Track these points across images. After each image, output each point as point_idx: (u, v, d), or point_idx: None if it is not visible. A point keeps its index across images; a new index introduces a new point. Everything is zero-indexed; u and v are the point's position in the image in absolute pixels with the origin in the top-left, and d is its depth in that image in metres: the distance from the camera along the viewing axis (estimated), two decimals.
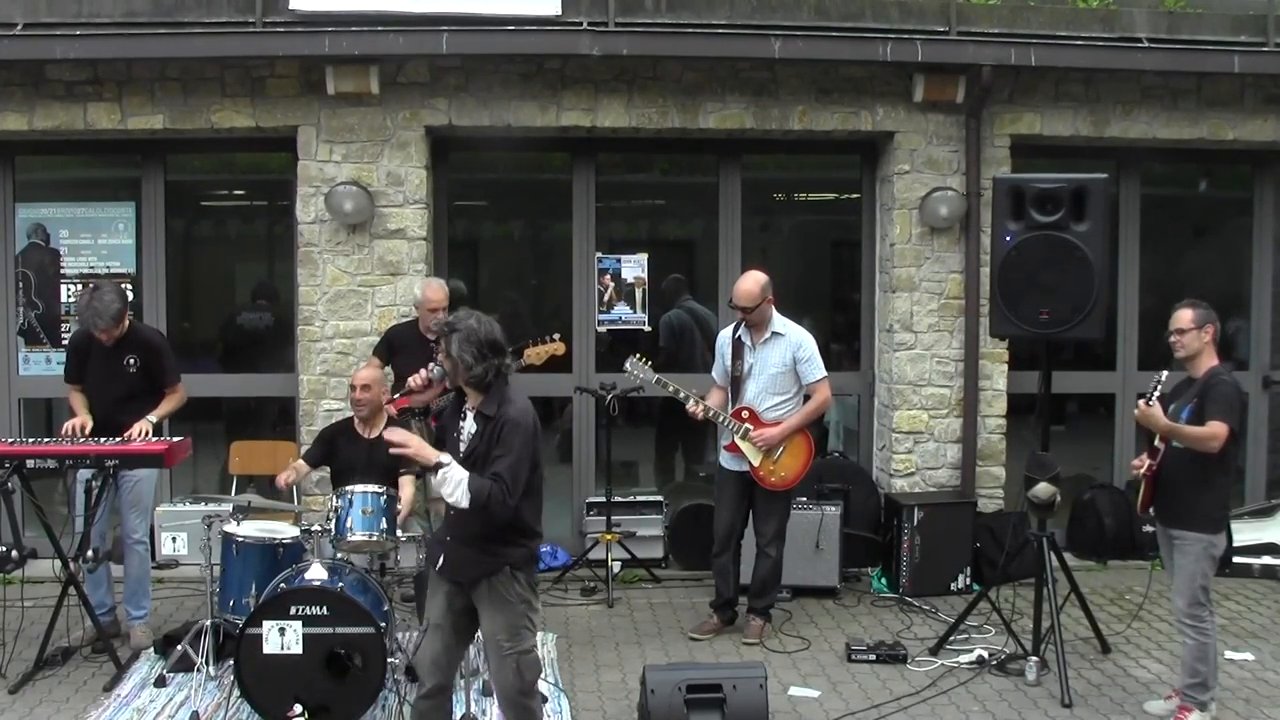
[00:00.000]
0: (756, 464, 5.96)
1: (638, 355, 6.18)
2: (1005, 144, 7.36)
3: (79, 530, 5.51)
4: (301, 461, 5.95)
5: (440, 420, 4.14)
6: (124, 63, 6.87)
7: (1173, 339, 4.97)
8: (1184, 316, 4.93)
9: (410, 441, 3.98)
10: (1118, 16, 7.38)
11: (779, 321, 6.02)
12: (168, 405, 5.84)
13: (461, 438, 4.14)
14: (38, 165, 7.55)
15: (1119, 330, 7.79)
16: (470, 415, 4.13)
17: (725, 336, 6.18)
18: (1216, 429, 4.73)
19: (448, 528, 4.18)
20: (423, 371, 4.07)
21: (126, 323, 5.77)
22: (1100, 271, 5.45)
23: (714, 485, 6.37)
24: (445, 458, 3.99)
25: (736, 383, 6.06)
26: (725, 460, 6.12)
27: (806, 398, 6.06)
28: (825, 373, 6.06)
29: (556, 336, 6.39)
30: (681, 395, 6.05)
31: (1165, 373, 4.93)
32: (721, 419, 6.01)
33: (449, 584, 4.18)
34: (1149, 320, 7.73)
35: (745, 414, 6.00)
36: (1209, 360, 4.92)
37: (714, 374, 6.25)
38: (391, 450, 4.01)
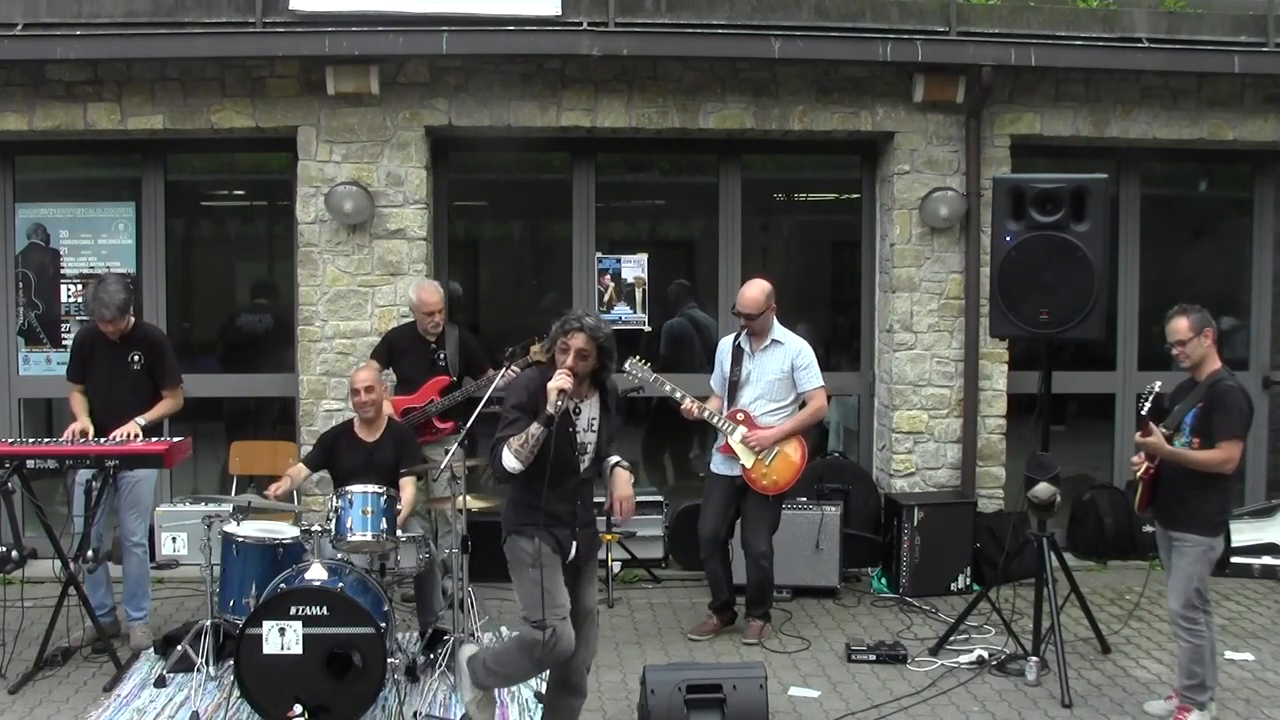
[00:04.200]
0: (749, 466, 5.96)
1: (637, 356, 6.20)
2: (1005, 144, 7.36)
3: (79, 531, 5.51)
4: (299, 467, 5.93)
5: (545, 423, 4.12)
6: (124, 63, 6.87)
7: (1175, 351, 4.91)
8: (1180, 327, 4.86)
9: (630, 495, 4.41)
10: (1118, 16, 7.38)
11: (778, 330, 6.05)
12: (163, 408, 5.82)
13: (579, 428, 4.27)
14: (38, 165, 7.55)
15: (1119, 330, 7.79)
16: (588, 404, 4.32)
17: (725, 344, 6.19)
18: (1230, 451, 4.71)
19: (573, 519, 4.29)
20: (559, 378, 4.11)
21: (131, 317, 5.77)
22: (1100, 271, 5.45)
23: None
24: (622, 461, 4.45)
25: (733, 387, 6.07)
26: (716, 462, 6.13)
27: (802, 407, 6.07)
28: (822, 382, 6.05)
29: None
30: (678, 395, 6.07)
31: (1159, 382, 4.90)
32: (716, 419, 6.02)
33: (563, 573, 4.30)
34: (1149, 320, 7.74)
35: (740, 416, 6.00)
36: (1212, 364, 4.89)
37: (712, 383, 6.25)
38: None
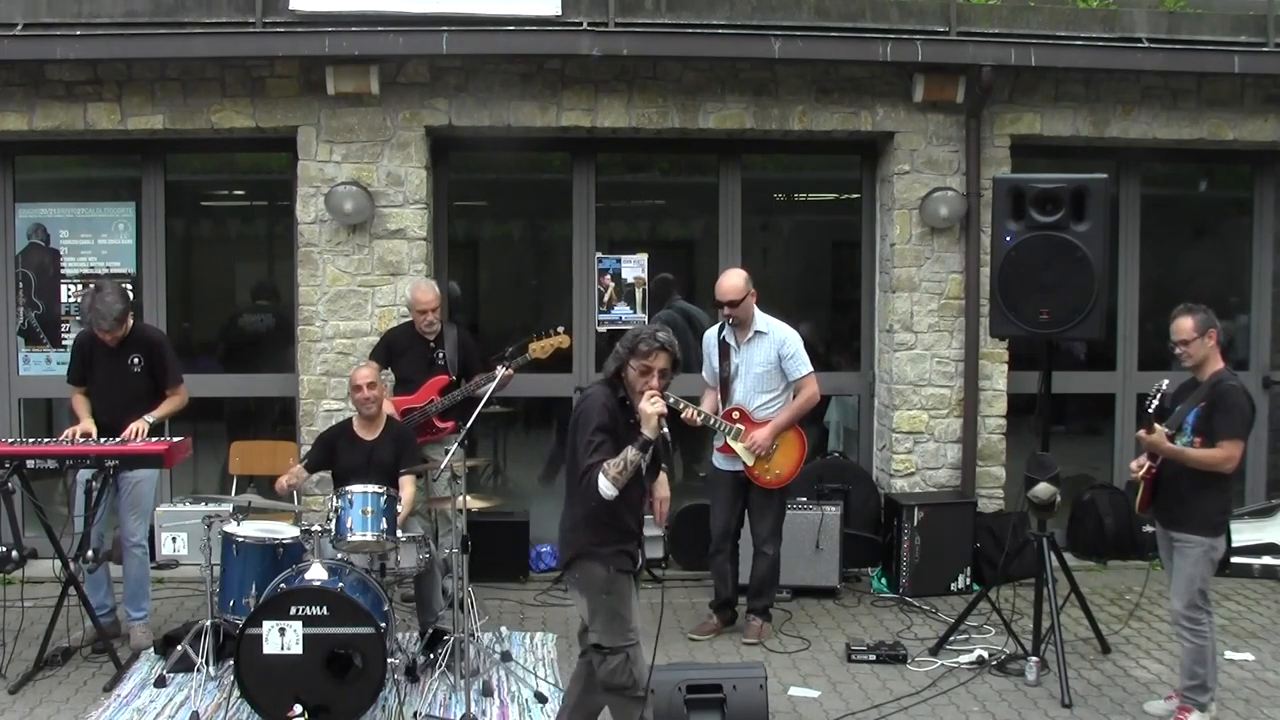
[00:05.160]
0: (751, 464, 5.97)
1: None
2: (1005, 144, 7.36)
3: (79, 531, 5.51)
4: (300, 468, 5.92)
5: (613, 433, 4.11)
6: (124, 63, 6.87)
7: (1178, 350, 4.91)
8: (1185, 326, 4.86)
9: (668, 496, 4.53)
10: (1118, 16, 7.38)
11: (761, 320, 6.04)
12: (168, 406, 5.83)
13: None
14: (38, 165, 7.55)
15: (1119, 330, 7.78)
16: None
17: (711, 337, 6.19)
18: (1231, 451, 4.71)
19: (639, 529, 4.26)
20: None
21: (130, 323, 5.78)
22: (1100, 271, 5.45)
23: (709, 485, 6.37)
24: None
25: (725, 384, 6.08)
26: (718, 460, 6.13)
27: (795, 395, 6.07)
28: (811, 368, 6.05)
29: (561, 329, 6.41)
30: (672, 400, 6.05)
31: (1165, 380, 4.90)
32: (713, 422, 6.01)
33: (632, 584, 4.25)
34: (1149, 320, 7.74)
35: (736, 414, 6.00)
36: (1214, 364, 4.89)
37: (704, 375, 6.25)
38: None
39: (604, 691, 4.19)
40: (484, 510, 5.56)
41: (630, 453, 3.98)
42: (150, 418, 5.68)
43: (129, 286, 7.08)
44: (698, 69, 7.16)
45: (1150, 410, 4.75)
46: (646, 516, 4.39)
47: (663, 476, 4.48)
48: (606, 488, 3.97)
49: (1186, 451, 4.79)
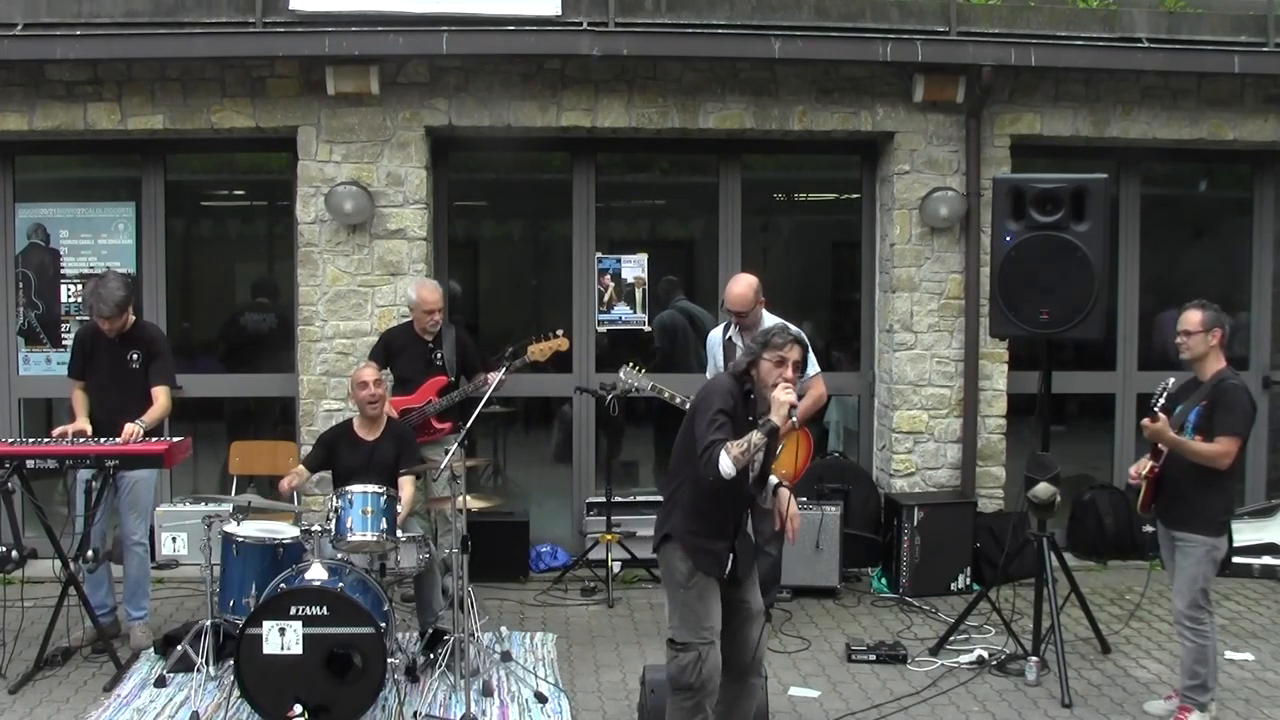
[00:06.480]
0: None
1: (630, 364, 6.18)
2: (1005, 144, 7.36)
3: (79, 530, 5.51)
4: (301, 469, 5.91)
5: (734, 420, 4.12)
6: (124, 63, 6.88)
7: (1179, 340, 4.93)
8: (1192, 318, 4.88)
9: (798, 513, 4.47)
10: (1118, 16, 7.38)
11: (769, 321, 6.01)
12: (156, 410, 5.72)
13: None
14: (38, 165, 7.55)
15: (1119, 330, 7.78)
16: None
17: (715, 338, 6.16)
18: (1228, 447, 4.72)
19: (735, 532, 4.24)
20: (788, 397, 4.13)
21: (131, 316, 5.77)
22: (1100, 271, 5.45)
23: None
24: (783, 483, 4.49)
25: None
26: None
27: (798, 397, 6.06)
28: (819, 370, 6.05)
29: (560, 332, 6.42)
30: (678, 400, 6.06)
31: (1171, 379, 4.91)
32: None
33: (718, 584, 4.22)
34: (1149, 320, 7.74)
35: None
36: (1216, 363, 4.90)
37: (708, 376, 6.23)
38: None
39: (671, 690, 4.18)
40: (484, 510, 5.56)
41: (755, 435, 4.03)
42: (142, 423, 5.59)
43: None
44: (698, 69, 7.16)
45: (1156, 407, 4.75)
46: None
47: (788, 494, 4.46)
48: (727, 465, 3.99)
49: (1187, 442, 4.79)
